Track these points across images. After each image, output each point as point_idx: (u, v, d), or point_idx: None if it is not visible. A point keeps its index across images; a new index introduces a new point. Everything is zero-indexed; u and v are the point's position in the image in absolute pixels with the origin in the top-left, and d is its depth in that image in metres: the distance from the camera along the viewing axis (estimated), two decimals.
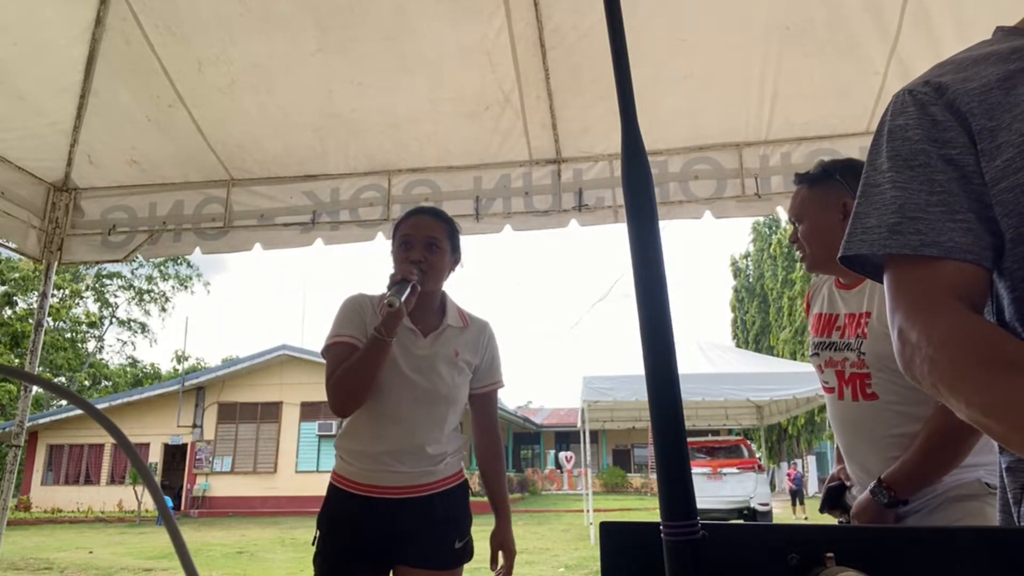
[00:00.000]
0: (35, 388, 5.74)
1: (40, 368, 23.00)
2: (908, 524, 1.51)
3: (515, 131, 3.04)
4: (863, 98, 2.81)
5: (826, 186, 1.66)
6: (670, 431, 0.61)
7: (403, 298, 1.78)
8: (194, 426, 21.30)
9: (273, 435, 20.85)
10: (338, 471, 1.98)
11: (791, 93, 2.83)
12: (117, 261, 3.38)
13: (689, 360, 11.29)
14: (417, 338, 1.97)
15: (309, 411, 20.50)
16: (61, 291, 32.58)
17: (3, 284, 28.26)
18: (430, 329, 2.00)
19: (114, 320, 37.27)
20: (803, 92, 2.83)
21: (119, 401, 21.84)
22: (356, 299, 2.02)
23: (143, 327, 38.00)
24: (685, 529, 0.59)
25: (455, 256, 2.07)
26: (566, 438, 34.54)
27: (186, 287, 37.83)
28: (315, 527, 1.96)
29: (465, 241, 2.14)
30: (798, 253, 1.75)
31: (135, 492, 19.72)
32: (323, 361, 2.00)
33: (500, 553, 2.05)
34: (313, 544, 1.93)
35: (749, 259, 35.15)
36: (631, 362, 10.90)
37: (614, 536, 0.66)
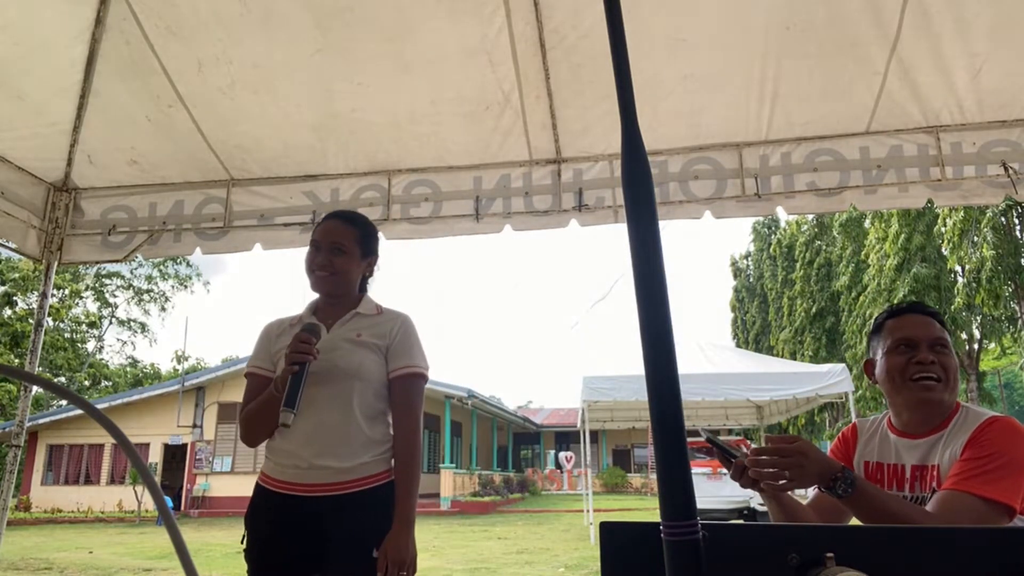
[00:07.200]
0: (35, 388, 5.74)
1: (40, 368, 22.99)
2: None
3: (515, 131, 3.04)
4: (863, 98, 2.81)
5: None
6: (670, 431, 0.61)
7: (299, 397, 1.81)
8: (194, 426, 21.29)
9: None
10: (262, 469, 2.01)
11: (791, 93, 2.82)
12: (117, 261, 3.38)
13: (689, 360, 11.28)
14: (320, 332, 2.01)
15: None
16: (61, 291, 32.58)
17: (3, 284, 28.25)
18: (336, 322, 2.06)
19: (114, 320, 37.27)
20: (803, 92, 2.83)
21: (119, 401, 21.82)
22: (268, 328, 2.14)
23: (143, 327, 38.02)
24: (685, 529, 0.59)
25: (368, 260, 2.15)
26: (566, 438, 34.52)
27: (186, 287, 37.85)
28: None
29: (465, 241, 2.15)
30: (914, 381, 1.58)
31: (135, 492, 19.70)
32: None
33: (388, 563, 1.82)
34: (241, 543, 1.95)
35: (749, 259, 35.13)
36: (631, 362, 10.90)
37: (614, 536, 0.66)
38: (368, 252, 2.14)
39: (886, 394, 1.67)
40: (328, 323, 2.04)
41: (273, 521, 1.91)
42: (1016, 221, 16.31)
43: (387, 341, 2.03)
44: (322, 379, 1.93)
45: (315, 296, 2.14)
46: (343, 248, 2.05)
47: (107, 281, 35.90)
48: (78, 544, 12.43)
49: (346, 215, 2.16)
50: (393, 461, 1.99)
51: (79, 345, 35.53)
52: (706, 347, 12.92)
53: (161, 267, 36.26)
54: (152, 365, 39.70)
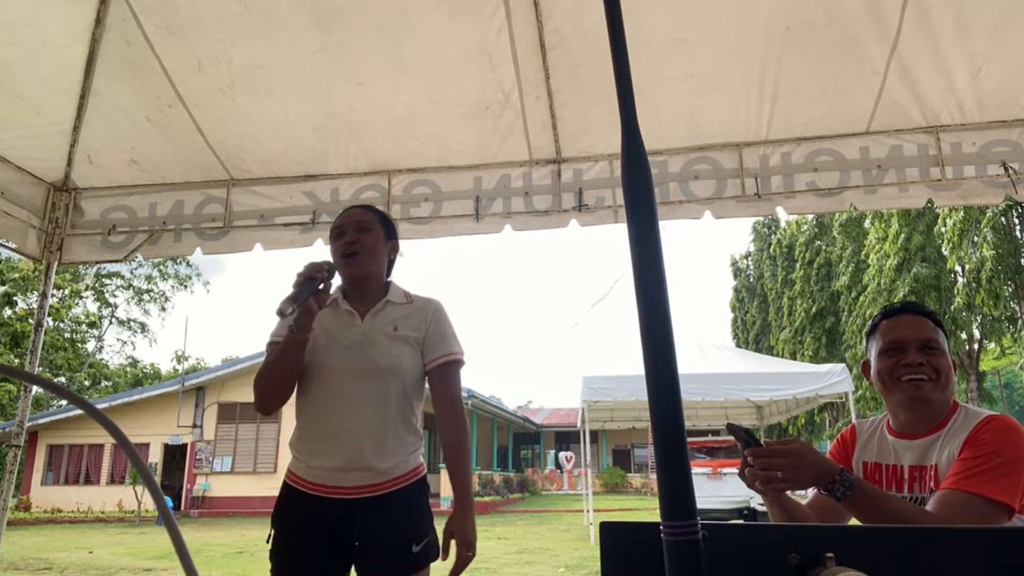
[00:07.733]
0: (35, 388, 5.75)
1: (40, 368, 22.99)
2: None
3: (515, 131, 3.04)
4: (863, 98, 2.81)
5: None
6: (670, 431, 0.61)
7: (302, 300, 1.77)
8: (194, 426, 21.28)
9: (273, 435, 20.82)
10: (291, 468, 1.98)
11: (791, 93, 2.82)
12: (117, 261, 3.38)
13: (689, 360, 11.28)
14: (354, 318, 2.00)
15: None
16: (61, 291, 32.57)
17: (3, 284, 28.23)
18: (368, 309, 2.03)
19: (114, 320, 37.28)
20: (803, 92, 2.83)
21: (119, 401, 21.80)
22: None
23: (143, 327, 38.03)
24: (685, 529, 0.59)
25: (391, 243, 2.15)
26: (566, 438, 34.52)
27: (186, 287, 37.86)
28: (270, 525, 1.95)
29: (465, 241, 2.16)
30: (900, 381, 1.58)
31: (135, 492, 19.70)
32: None
33: (453, 544, 1.90)
34: (268, 542, 1.93)
35: (749, 259, 35.13)
36: (631, 362, 10.89)
37: (614, 536, 0.66)
38: (390, 235, 2.16)
39: (881, 395, 1.67)
40: (360, 311, 2.02)
41: (304, 521, 1.89)
42: (1016, 221, 16.32)
43: (422, 332, 2.03)
44: (360, 375, 1.92)
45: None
46: (368, 227, 2.06)
47: (107, 281, 35.91)
48: (78, 544, 12.43)
49: (363, 205, 2.21)
50: (442, 450, 2.00)
51: (79, 345, 35.51)
52: (706, 347, 12.92)
53: (161, 267, 36.27)
54: (152, 365, 39.72)
